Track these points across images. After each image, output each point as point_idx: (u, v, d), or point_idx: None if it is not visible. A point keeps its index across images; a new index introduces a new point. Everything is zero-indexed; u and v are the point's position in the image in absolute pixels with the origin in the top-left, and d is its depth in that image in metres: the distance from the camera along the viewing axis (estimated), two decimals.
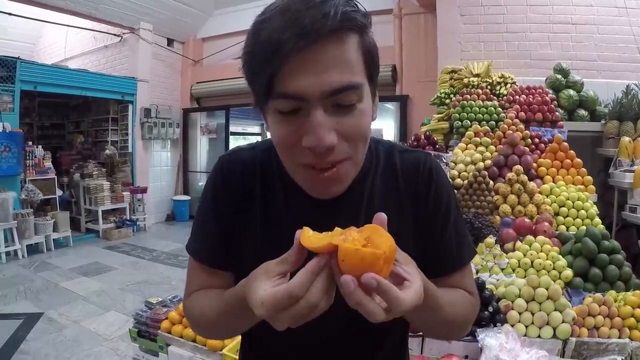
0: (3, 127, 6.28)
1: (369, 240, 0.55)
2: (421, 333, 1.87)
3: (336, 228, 0.59)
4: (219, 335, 0.87)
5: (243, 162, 0.86)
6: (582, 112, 4.42)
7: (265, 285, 0.57)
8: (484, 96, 4.17)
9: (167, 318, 2.55)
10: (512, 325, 1.91)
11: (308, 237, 0.58)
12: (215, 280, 0.85)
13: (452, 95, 4.57)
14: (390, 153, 0.88)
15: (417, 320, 0.72)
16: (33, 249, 6.62)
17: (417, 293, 0.56)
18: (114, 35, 8.74)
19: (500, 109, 3.96)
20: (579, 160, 3.24)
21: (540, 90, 4.21)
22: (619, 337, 1.94)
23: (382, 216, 0.59)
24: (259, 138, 13.41)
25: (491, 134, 3.54)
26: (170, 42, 9.50)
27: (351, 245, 0.53)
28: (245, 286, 0.63)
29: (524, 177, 2.91)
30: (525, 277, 2.16)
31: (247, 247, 0.84)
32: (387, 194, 0.84)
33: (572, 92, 4.45)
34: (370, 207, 0.81)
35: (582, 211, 2.82)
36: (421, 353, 1.93)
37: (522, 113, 3.88)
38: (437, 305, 0.69)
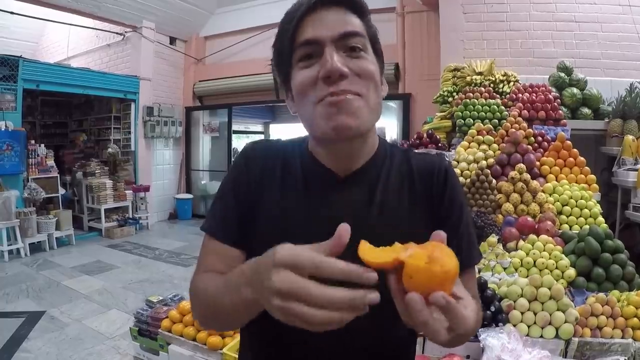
0: (6, 126, 6.29)
1: (432, 258, 0.53)
2: (422, 332, 1.85)
3: (396, 243, 0.58)
4: (212, 320, 0.83)
5: (267, 147, 0.93)
6: (586, 110, 4.40)
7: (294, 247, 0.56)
8: (486, 94, 4.16)
9: (167, 317, 2.55)
10: (514, 325, 1.90)
11: (368, 250, 0.56)
12: (229, 260, 0.85)
13: (454, 94, 4.56)
14: (406, 155, 0.94)
15: None
16: (36, 248, 6.64)
17: (474, 311, 0.57)
18: (117, 33, 8.74)
19: (503, 107, 3.95)
20: (582, 158, 3.23)
21: (544, 88, 4.19)
22: (622, 338, 1.93)
23: (441, 234, 0.58)
24: (262, 137, 13.42)
25: (494, 132, 3.53)
26: (172, 40, 9.50)
27: (421, 263, 0.52)
28: (259, 258, 0.61)
29: (527, 176, 2.90)
30: (527, 276, 2.15)
31: (261, 223, 0.86)
32: (402, 188, 0.88)
33: (575, 90, 4.42)
34: (385, 198, 0.86)
35: (585, 210, 2.81)
36: (422, 353, 1.92)
37: (525, 111, 3.87)
38: None
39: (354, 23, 0.78)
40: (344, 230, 0.54)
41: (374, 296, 0.49)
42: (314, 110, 0.78)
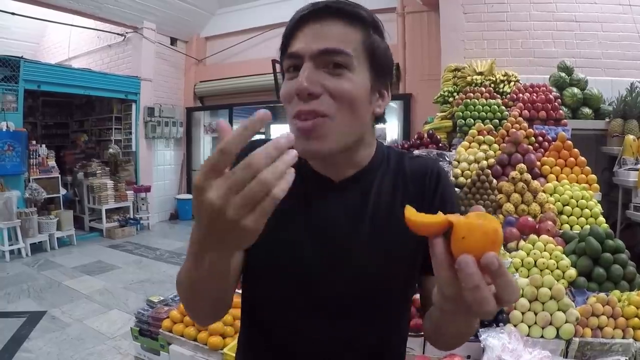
0: (7, 127, 6.29)
1: (482, 219, 0.51)
2: (422, 333, 1.85)
3: (439, 212, 0.56)
4: (192, 301, 0.79)
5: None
6: (586, 110, 4.39)
7: None
8: (487, 94, 4.15)
9: (168, 317, 2.55)
10: (515, 325, 1.90)
11: (415, 214, 0.55)
12: None
13: (455, 94, 4.55)
14: (401, 158, 0.93)
15: (461, 324, 0.72)
16: (37, 248, 6.64)
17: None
18: (118, 34, 8.75)
19: (503, 107, 3.94)
20: (582, 158, 3.22)
21: (544, 88, 4.19)
22: (623, 338, 1.93)
23: (480, 207, 0.56)
24: (262, 137, 13.43)
25: (494, 132, 3.53)
26: (173, 41, 9.51)
27: (474, 221, 0.50)
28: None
29: (528, 176, 2.89)
30: (528, 276, 2.14)
31: (263, 231, 0.83)
32: (395, 192, 0.88)
33: (576, 90, 4.42)
34: (379, 199, 0.86)
35: (586, 210, 2.81)
36: (423, 353, 1.92)
37: (526, 111, 3.86)
38: None
39: (345, 38, 0.76)
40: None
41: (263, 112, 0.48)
42: (290, 123, 0.78)
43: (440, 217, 0.53)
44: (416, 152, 3.49)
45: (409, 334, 1.03)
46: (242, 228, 0.48)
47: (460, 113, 3.94)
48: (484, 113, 3.86)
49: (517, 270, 2.26)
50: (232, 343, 2.29)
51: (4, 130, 6.26)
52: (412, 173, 0.90)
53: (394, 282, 0.85)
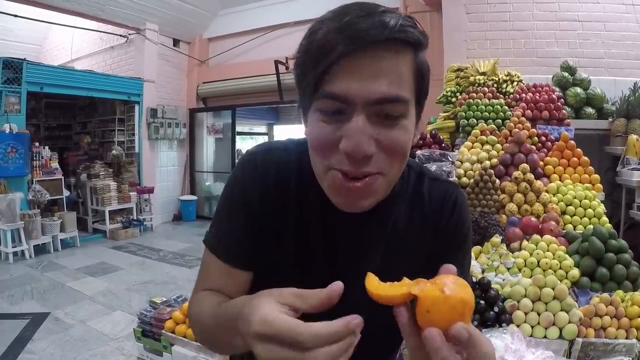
0: (10, 128, 6.32)
1: (448, 289, 0.49)
2: None
3: (404, 278, 0.55)
4: (208, 345, 0.81)
5: (278, 164, 0.82)
6: (589, 110, 4.38)
7: (274, 307, 0.51)
8: (490, 94, 4.14)
9: (171, 318, 2.56)
10: (518, 326, 1.89)
11: (377, 285, 0.53)
12: (232, 281, 0.81)
13: (458, 94, 4.53)
14: (420, 179, 0.88)
15: None
16: (40, 249, 6.67)
17: (492, 346, 0.52)
18: (120, 36, 8.78)
19: (506, 107, 3.93)
20: (586, 158, 3.21)
21: (547, 88, 4.17)
22: (626, 338, 1.93)
23: (451, 267, 0.55)
24: (266, 138, 13.43)
25: (497, 132, 3.51)
26: (176, 42, 9.54)
27: (438, 294, 0.48)
28: (246, 301, 0.58)
29: (531, 176, 2.88)
30: (531, 276, 2.14)
31: (278, 256, 0.81)
32: (412, 217, 0.85)
33: (579, 89, 4.41)
34: (396, 224, 0.84)
35: (589, 210, 2.79)
36: None
37: (529, 111, 3.85)
38: None
39: (399, 74, 0.63)
40: (336, 291, 0.51)
41: (357, 321, 0.49)
42: (324, 172, 0.69)
43: (401, 289, 0.51)
44: (419, 152, 3.49)
45: None
46: None
47: (463, 113, 3.93)
48: (486, 113, 3.86)
49: (520, 270, 2.26)
50: None
51: (7, 132, 6.29)
52: (430, 198, 0.86)
53: None
